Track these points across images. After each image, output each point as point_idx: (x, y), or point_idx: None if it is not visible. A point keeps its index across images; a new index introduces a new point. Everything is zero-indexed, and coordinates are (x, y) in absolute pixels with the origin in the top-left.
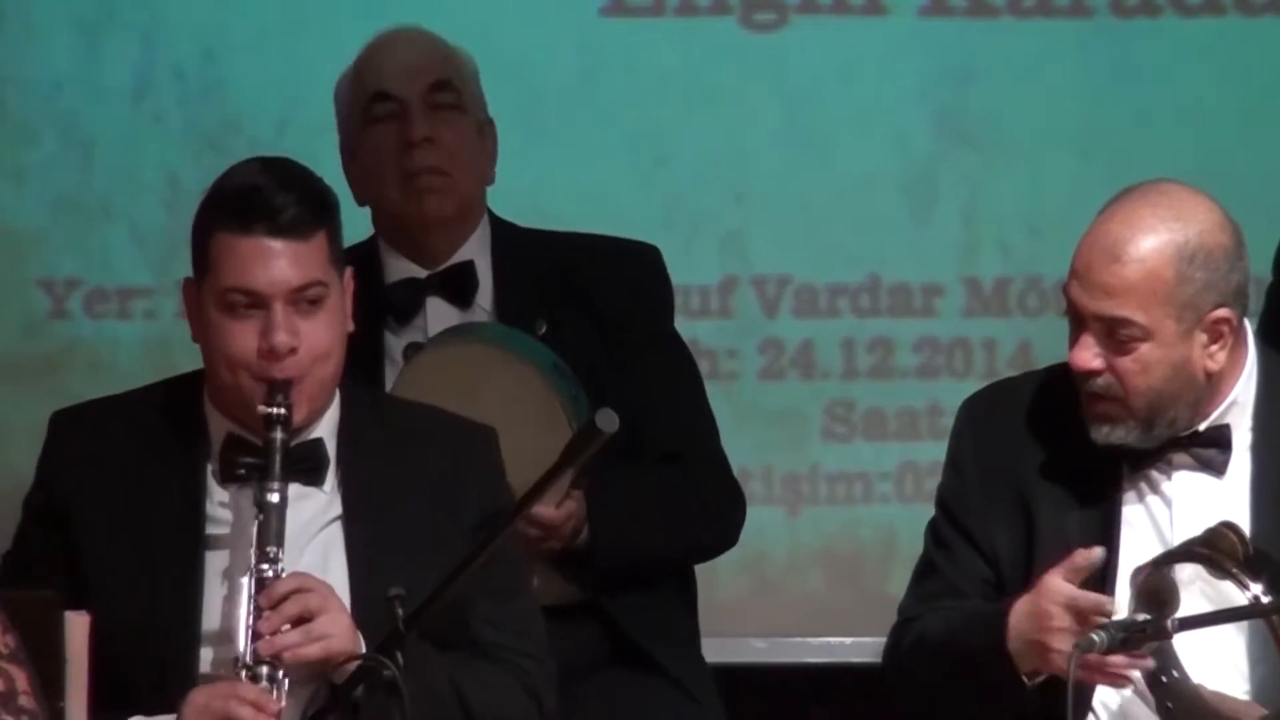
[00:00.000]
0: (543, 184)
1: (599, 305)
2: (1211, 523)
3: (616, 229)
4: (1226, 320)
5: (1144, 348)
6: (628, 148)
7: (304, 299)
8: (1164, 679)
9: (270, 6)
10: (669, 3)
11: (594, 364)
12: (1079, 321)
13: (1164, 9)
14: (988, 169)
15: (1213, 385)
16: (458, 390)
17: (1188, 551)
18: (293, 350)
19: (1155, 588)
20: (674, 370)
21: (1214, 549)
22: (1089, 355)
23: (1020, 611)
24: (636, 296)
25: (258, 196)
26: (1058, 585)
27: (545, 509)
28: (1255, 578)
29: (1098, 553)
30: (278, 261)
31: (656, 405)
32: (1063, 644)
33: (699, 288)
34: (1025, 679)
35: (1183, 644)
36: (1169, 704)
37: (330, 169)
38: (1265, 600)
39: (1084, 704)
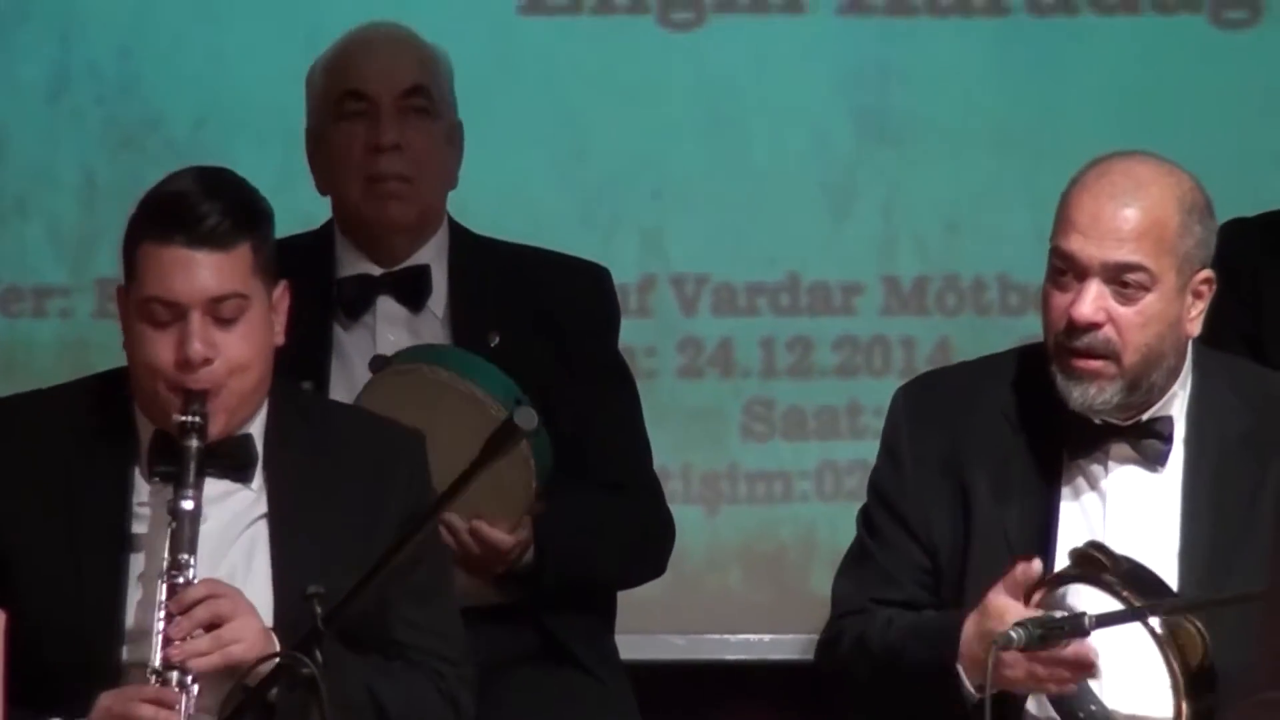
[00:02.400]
0: (462, 182)
1: (552, 325)
2: (1144, 518)
3: (535, 227)
4: (1209, 281)
5: (1148, 299)
6: (546, 146)
7: (222, 310)
8: (1081, 715)
9: (187, 4)
10: (586, 1)
11: (543, 381)
12: (1081, 275)
13: (1081, 7)
14: (906, 168)
15: (1177, 361)
16: (417, 419)
17: (1065, 577)
18: (207, 361)
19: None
20: (619, 398)
21: (1084, 568)
22: (1095, 308)
23: (969, 634)
24: (589, 319)
25: (181, 205)
26: (1004, 604)
27: (501, 534)
28: (1131, 589)
29: (1036, 566)
30: (197, 271)
31: (603, 433)
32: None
33: (617, 286)
34: (976, 692)
35: (1104, 653)
36: None
37: (247, 168)
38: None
39: (1015, 710)
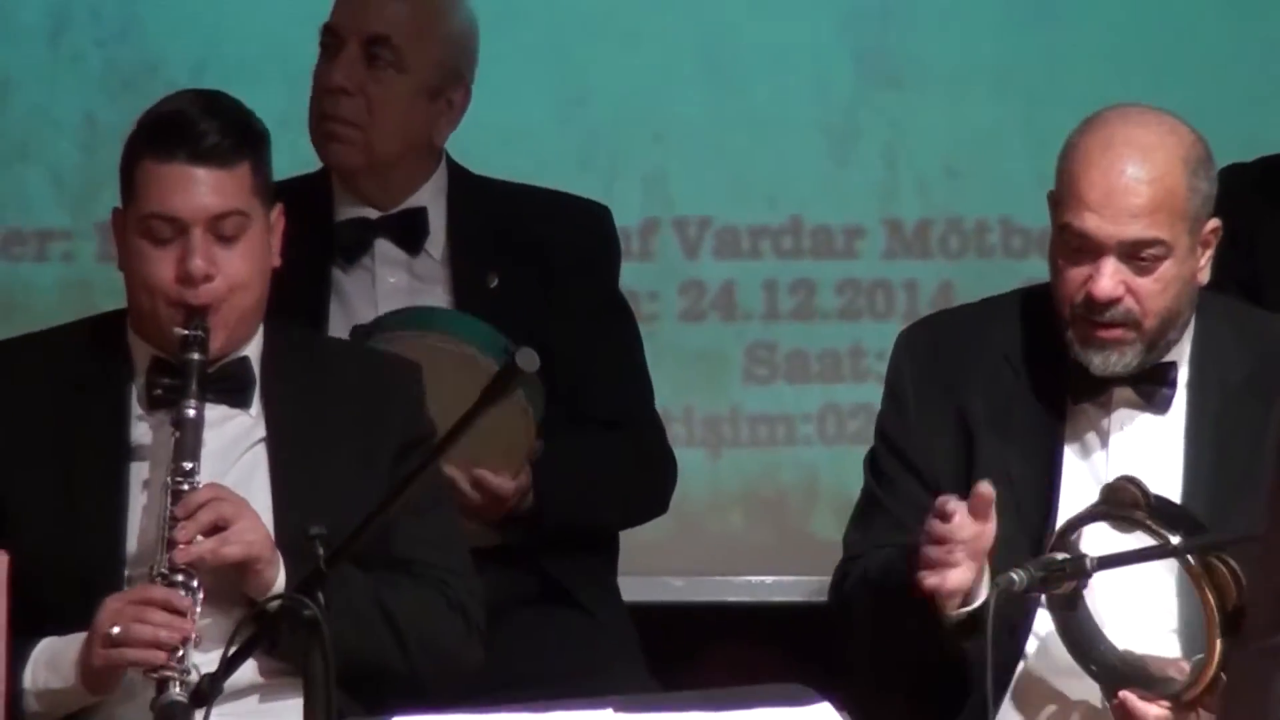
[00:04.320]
0: (462, 124)
1: (550, 264)
2: (1146, 461)
3: (536, 170)
4: (1215, 230)
5: (1164, 265)
6: (547, 89)
7: (223, 227)
8: (1093, 654)
9: None
10: None
11: (542, 321)
12: (1097, 252)
13: None
14: (908, 110)
15: (1190, 313)
16: None
17: (1091, 514)
18: (209, 277)
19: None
20: (619, 336)
21: (1115, 504)
22: (1115, 283)
23: None
24: (588, 258)
25: (181, 123)
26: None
27: (503, 480)
28: (1164, 524)
29: (985, 486)
30: (198, 188)
31: (601, 371)
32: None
33: (619, 229)
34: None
35: (1112, 593)
36: (1093, 666)
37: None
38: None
39: (1015, 648)
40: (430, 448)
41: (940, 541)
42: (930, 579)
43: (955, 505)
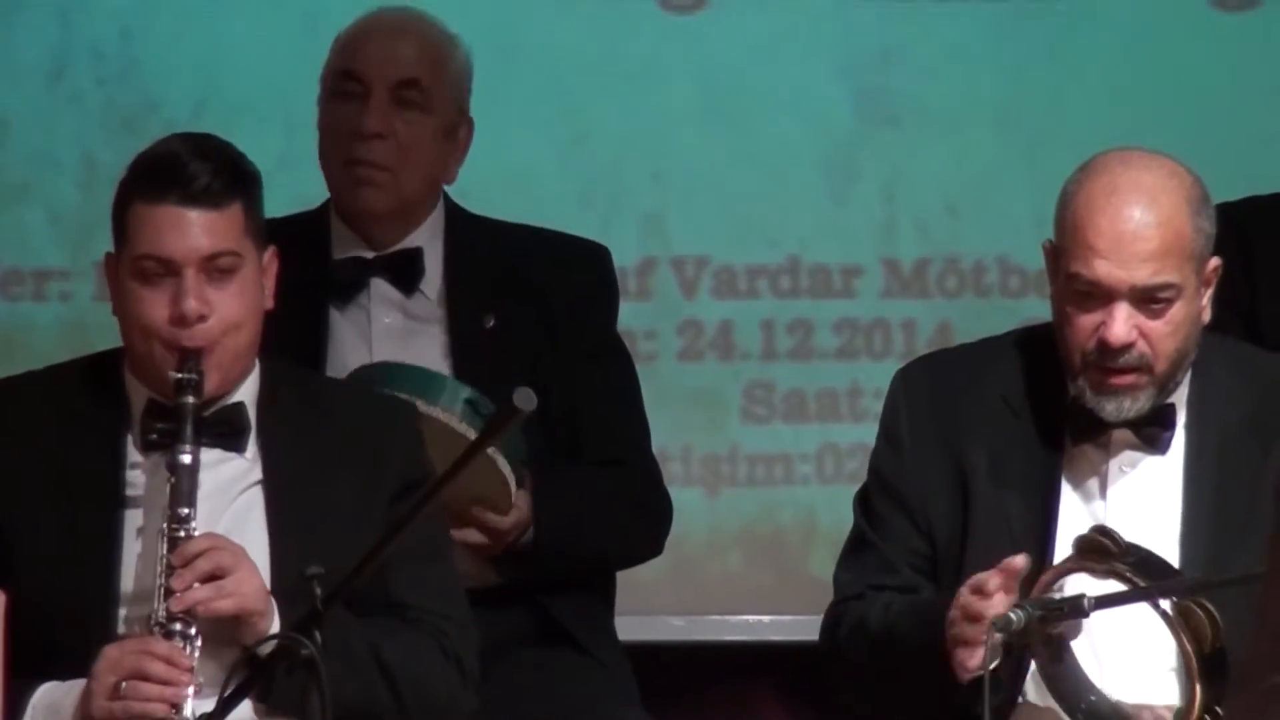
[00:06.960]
0: (462, 164)
1: (548, 304)
2: (1145, 502)
3: (535, 209)
4: (1216, 269)
5: (1175, 307)
6: (547, 128)
7: (216, 268)
8: (1083, 705)
9: None
10: None
11: (539, 362)
12: (1107, 298)
13: None
14: (907, 150)
15: (1195, 352)
16: None
17: (1067, 567)
18: (202, 318)
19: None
20: (616, 377)
21: (1089, 555)
22: (1129, 328)
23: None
24: (586, 299)
25: (173, 165)
26: (985, 577)
27: (496, 518)
28: (1137, 572)
29: (1023, 559)
30: (190, 229)
31: (598, 412)
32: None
33: (617, 269)
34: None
35: (1109, 634)
36: (1080, 716)
37: (247, 151)
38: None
39: (1014, 690)
40: (428, 489)
41: (976, 619)
42: (971, 660)
43: (994, 584)
